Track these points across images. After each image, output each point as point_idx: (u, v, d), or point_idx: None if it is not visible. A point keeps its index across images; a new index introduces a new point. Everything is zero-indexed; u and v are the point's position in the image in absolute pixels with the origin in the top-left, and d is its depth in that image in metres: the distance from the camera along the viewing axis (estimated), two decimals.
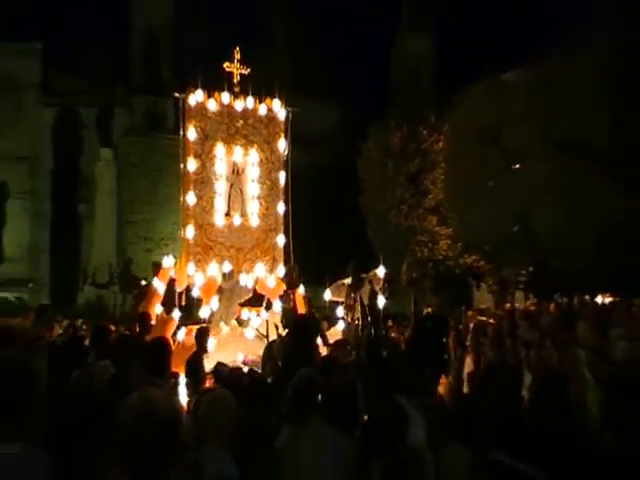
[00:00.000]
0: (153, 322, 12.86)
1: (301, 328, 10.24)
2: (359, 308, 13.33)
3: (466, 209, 35.10)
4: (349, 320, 13.50)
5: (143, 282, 36.81)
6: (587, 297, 26.04)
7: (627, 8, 30.51)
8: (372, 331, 12.12)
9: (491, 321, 18.02)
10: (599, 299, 26.19)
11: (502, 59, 36.80)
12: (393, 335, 15.32)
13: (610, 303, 24.93)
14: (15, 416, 4.70)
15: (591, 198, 28.09)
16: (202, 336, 11.06)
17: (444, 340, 9.80)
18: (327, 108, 29.50)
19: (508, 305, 27.32)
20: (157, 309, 13.38)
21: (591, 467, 5.34)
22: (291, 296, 14.06)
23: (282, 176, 15.22)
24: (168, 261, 14.33)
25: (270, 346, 10.20)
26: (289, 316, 12.58)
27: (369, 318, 12.74)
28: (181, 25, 50.51)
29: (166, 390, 8.05)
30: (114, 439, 4.40)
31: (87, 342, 10.94)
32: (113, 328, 13.36)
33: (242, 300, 13.43)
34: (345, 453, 6.10)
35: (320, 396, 6.79)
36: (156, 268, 39.13)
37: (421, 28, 52.09)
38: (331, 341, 11.64)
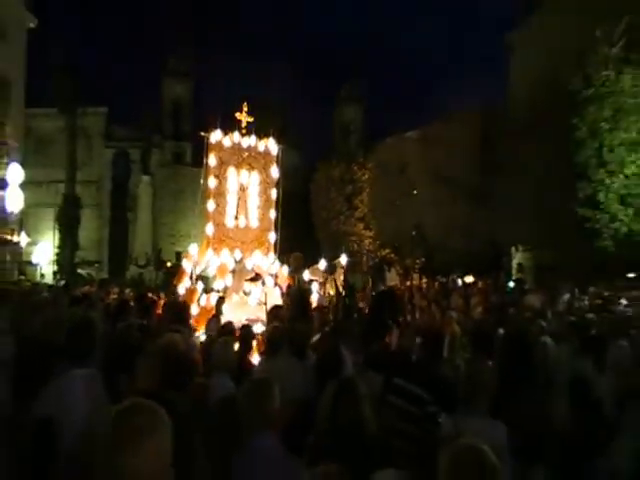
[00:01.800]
0: (183, 291, 12.67)
1: (303, 299, 10.17)
2: (332, 285, 13.16)
3: (382, 219, 35.21)
4: (321, 293, 13.19)
5: (168, 264, 36.49)
6: (458, 278, 26.22)
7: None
8: (346, 301, 11.95)
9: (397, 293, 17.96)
10: (465, 279, 26.46)
11: (406, 123, 37.16)
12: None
13: (471, 282, 25.15)
14: (82, 350, 4.66)
15: (458, 214, 28.45)
16: (219, 303, 10.89)
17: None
18: (292, 150, 29.46)
19: (408, 283, 27.39)
20: (186, 282, 13.18)
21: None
22: (295, 277, 13.78)
23: (274, 192, 14.94)
24: (193, 249, 14.11)
25: (276, 310, 10.03)
26: (293, 291, 12.32)
27: (343, 292, 12.55)
28: (201, 87, 51.52)
29: (184, 334, 7.99)
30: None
31: (132, 303, 10.81)
32: (149, 295, 13.20)
33: (247, 278, 13.17)
34: (303, 375, 6.11)
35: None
36: (180, 254, 38.72)
37: (353, 99, 52.63)
38: None
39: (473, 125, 29.14)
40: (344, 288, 12.54)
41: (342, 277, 13.39)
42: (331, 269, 13.76)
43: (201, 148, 14.49)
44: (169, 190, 48.27)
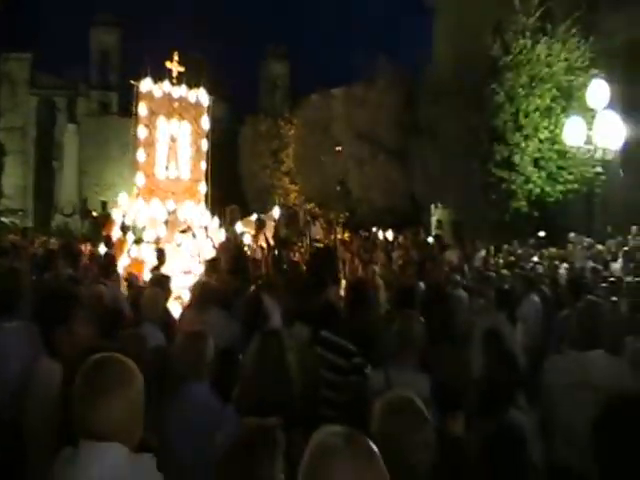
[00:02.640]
0: (114, 241, 12.20)
1: (239, 252, 10.02)
2: (263, 238, 12.92)
3: (307, 174, 35.27)
4: (254, 246, 12.81)
5: (94, 213, 36.01)
6: (380, 232, 26.55)
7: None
8: (276, 253, 11.80)
9: (321, 246, 18.06)
10: (387, 234, 26.88)
11: (331, 80, 36.83)
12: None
13: (393, 236, 25.53)
14: (10, 302, 4.49)
15: (379, 171, 28.79)
16: (161, 255, 10.55)
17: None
18: (221, 102, 28.79)
19: (332, 237, 27.58)
20: (116, 233, 12.71)
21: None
22: (231, 229, 13.46)
23: (205, 143, 14.56)
24: (123, 199, 13.64)
25: (213, 263, 9.82)
26: (228, 243, 12.04)
27: (272, 244, 12.37)
28: (130, 38, 50.20)
29: (110, 285, 7.84)
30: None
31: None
32: (76, 244, 12.83)
33: (179, 229, 12.80)
34: (231, 329, 6.09)
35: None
36: (105, 204, 37.92)
37: (279, 56, 52.16)
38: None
39: (397, 87, 29.39)
40: (275, 241, 12.45)
41: (273, 230, 13.25)
42: (261, 223, 13.60)
43: (128, 98, 14.07)
44: (95, 139, 46.99)
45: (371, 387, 4.55)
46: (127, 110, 14.32)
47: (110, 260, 9.20)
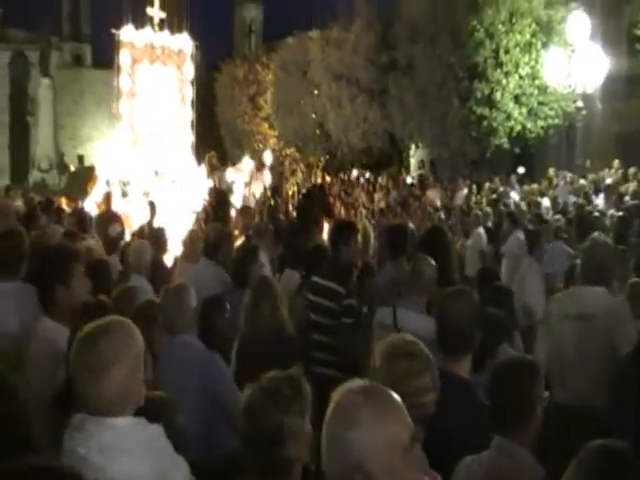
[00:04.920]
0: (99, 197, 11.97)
1: (221, 201, 9.84)
2: (257, 184, 12.61)
3: (286, 118, 34.91)
4: (247, 193, 12.63)
5: (72, 168, 35.57)
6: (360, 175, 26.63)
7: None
8: (272, 202, 11.54)
9: (304, 190, 18.00)
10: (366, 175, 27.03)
11: (308, 23, 36.07)
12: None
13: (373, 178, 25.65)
14: (11, 263, 4.31)
15: (357, 112, 28.57)
16: (152, 207, 10.20)
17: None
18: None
19: (313, 180, 27.52)
20: (102, 187, 12.25)
21: None
22: (214, 176, 13.08)
23: (189, 91, 14.17)
24: (104, 152, 13.23)
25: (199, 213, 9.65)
26: (210, 192, 11.67)
27: (269, 192, 12.06)
28: None
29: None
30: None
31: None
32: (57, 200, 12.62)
33: (169, 181, 12.40)
34: (221, 278, 6.03)
35: None
36: (82, 158, 37.37)
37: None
38: None
39: (374, 26, 28.94)
40: (271, 189, 12.18)
41: (269, 177, 12.92)
42: (257, 168, 13.26)
43: (102, 49, 13.71)
44: (70, 93, 45.89)
45: (378, 322, 4.55)
46: (100, 62, 13.91)
47: (110, 216, 9.06)
